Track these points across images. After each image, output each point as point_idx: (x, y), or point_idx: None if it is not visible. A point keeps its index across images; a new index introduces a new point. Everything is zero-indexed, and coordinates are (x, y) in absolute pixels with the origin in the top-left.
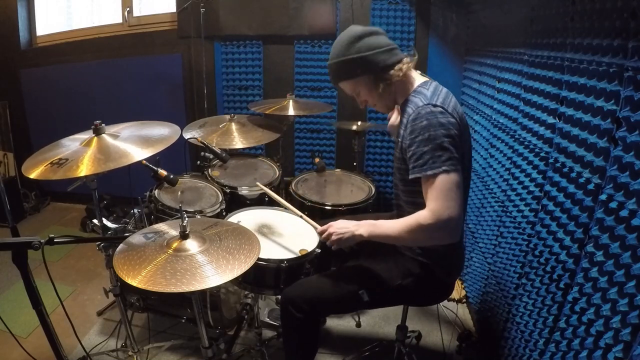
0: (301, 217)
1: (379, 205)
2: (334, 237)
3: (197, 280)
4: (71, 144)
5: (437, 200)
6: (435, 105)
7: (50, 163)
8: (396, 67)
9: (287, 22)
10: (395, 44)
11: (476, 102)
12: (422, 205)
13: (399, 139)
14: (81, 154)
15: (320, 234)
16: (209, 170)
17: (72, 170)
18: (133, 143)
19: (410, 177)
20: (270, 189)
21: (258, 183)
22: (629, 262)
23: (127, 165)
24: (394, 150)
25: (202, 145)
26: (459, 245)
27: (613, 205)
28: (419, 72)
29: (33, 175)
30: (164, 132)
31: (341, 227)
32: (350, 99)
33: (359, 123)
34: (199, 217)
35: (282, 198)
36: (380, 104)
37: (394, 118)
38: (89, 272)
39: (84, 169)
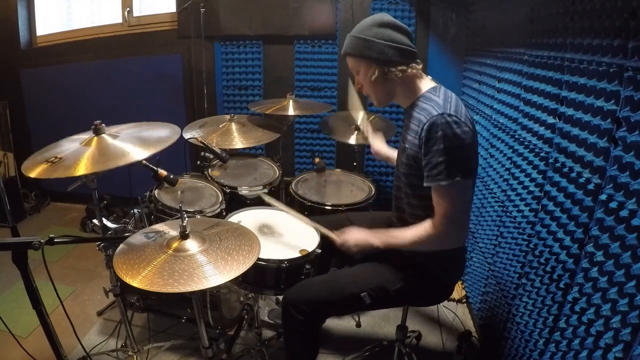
0: (316, 228)
1: (379, 206)
2: (353, 248)
3: (196, 281)
4: (71, 144)
5: (448, 210)
6: (450, 115)
7: (49, 162)
8: (399, 67)
9: (287, 22)
10: (416, 49)
11: (476, 102)
12: (431, 209)
13: (405, 145)
14: (81, 154)
15: (340, 246)
16: (209, 170)
17: (70, 169)
18: (132, 143)
19: (425, 184)
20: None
21: (267, 199)
22: (629, 262)
23: (127, 165)
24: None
25: (202, 145)
26: (460, 248)
27: (613, 205)
28: (430, 78)
29: (33, 174)
30: (163, 134)
31: (358, 238)
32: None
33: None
34: (199, 217)
35: (282, 198)
36: (372, 94)
37: (377, 146)
38: (89, 272)
39: (83, 168)
